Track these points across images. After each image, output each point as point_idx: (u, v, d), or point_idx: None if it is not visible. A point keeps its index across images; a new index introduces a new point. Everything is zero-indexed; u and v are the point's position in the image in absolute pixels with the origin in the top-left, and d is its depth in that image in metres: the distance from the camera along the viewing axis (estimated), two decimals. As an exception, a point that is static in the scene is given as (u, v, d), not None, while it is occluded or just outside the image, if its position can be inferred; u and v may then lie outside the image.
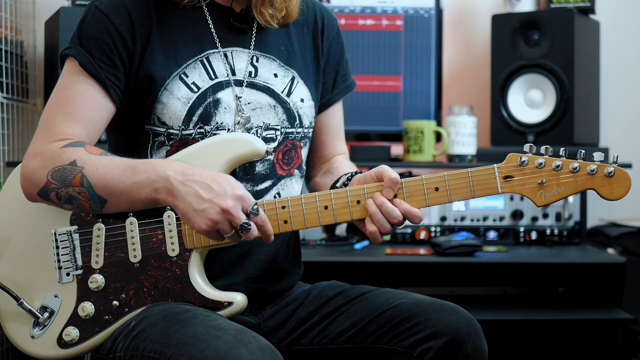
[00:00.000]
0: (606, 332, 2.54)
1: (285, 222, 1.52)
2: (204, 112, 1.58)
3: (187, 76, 1.58)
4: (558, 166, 1.45)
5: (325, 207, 1.51)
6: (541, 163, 1.46)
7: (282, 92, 1.65)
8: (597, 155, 1.44)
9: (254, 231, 1.44)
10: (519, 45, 2.76)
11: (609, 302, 2.59)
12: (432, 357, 1.47)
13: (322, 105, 1.77)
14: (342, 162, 1.78)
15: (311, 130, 1.72)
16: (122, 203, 1.49)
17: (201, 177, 1.44)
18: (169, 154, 1.58)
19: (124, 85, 1.57)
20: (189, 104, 1.57)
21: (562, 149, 1.47)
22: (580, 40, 2.71)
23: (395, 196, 1.49)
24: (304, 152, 1.71)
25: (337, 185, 1.61)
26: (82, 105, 1.54)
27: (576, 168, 1.45)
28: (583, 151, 1.45)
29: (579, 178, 1.45)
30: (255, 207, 1.44)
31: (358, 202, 1.51)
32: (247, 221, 1.43)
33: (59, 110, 1.54)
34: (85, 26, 1.57)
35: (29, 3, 2.80)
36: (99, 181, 1.47)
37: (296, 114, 1.66)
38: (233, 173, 1.58)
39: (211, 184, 1.43)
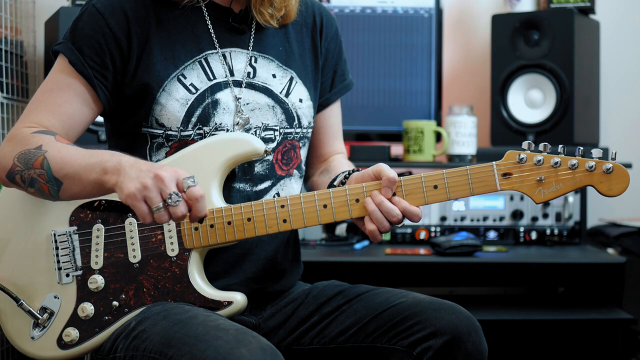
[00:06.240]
0: (606, 332, 2.54)
1: (285, 221, 1.51)
2: (202, 113, 1.58)
3: (185, 77, 1.58)
4: (556, 163, 1.45)
5: (325, 206, 1.51)
6: (539, 160, 1.45)
7: (280, 92, 1.65)
8: (596, 152, 1.44)
9: (182, 207, 1.35)
10: (519, 45, 2.75)
11: (609, 302, 2.58)
12: (432, 356, 1.47)
13: (320, 105, 1.77)
14: (339, 162, 1.77)
15: (310, 130, 1.72)
16: (74, 186, 1.46)
17: (152, 164, 1.39)
18: (168, 155, 1.58)
19: (112, 86, 1.57)
20: (187, 105, 1.57)
21: (560, 146, 1.46)
22: (580, 40, 2.71)
23: (394, 194, 1.49)
24: (303, 152, 1.71)
25: (335, 183, 1.61)
26: (64, 100, 1.55)
27: (575, 164, 1.44)
28: (582, 148, 1.44)
29: (577, 174, 1.44)
30: (191, 180, 1.36)
31: (357, 200, 1.51)
32: (176, 191, 1.35)
33: (42, 102, 1.56)
34: (80, 23, 1.57)
35: (29, 3, 2.80)
36: (57, 163, 1.46)
37: (295, 115, 1.66)
38: (232, 173, 1.58)
39: (158, 168, 1.37)
